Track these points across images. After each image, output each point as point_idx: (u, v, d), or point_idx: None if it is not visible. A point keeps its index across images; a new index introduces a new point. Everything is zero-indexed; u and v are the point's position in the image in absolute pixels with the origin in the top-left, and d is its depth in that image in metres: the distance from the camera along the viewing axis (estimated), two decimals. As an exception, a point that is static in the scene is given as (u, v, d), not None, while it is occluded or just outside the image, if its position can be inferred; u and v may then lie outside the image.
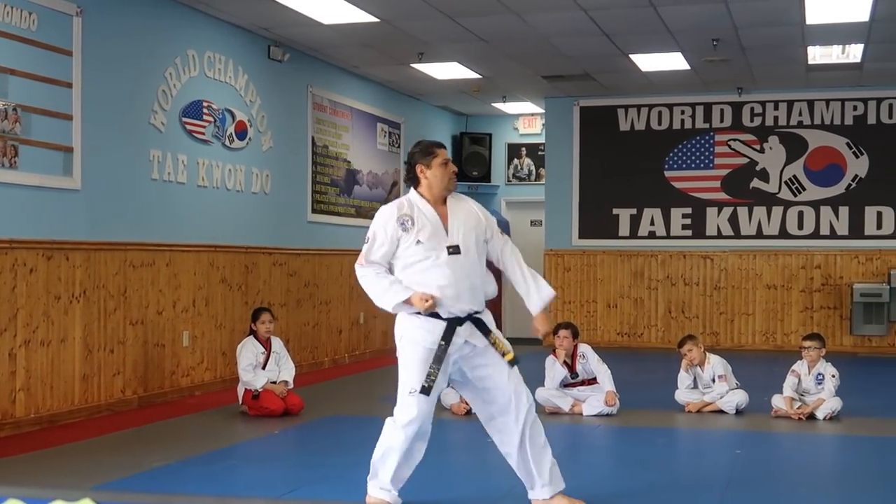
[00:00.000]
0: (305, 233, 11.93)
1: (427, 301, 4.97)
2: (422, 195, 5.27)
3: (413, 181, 5.37)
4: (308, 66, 12.00)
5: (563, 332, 8.66)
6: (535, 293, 5.36)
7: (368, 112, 13.55)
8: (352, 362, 12.78)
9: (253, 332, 8.77)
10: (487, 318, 5.34)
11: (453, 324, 5.12)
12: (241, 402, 8.63)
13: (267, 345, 8.78)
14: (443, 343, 5.09)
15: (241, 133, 10.54)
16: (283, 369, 8.78)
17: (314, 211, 12.12)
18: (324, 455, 6.98)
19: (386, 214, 5.21)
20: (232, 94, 10.44)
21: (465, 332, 5.18)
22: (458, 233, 5.19)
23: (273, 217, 11.20)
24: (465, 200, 5.36)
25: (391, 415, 5.22)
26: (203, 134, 9.90)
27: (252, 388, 8.48)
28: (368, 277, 5.21)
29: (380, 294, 5.19)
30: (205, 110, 9.94)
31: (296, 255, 11.65)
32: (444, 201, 5.28)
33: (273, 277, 11.15)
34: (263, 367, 8.67)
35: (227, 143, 10.30)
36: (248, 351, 8.65)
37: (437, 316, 5.12)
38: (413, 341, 5.20)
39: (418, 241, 5.10)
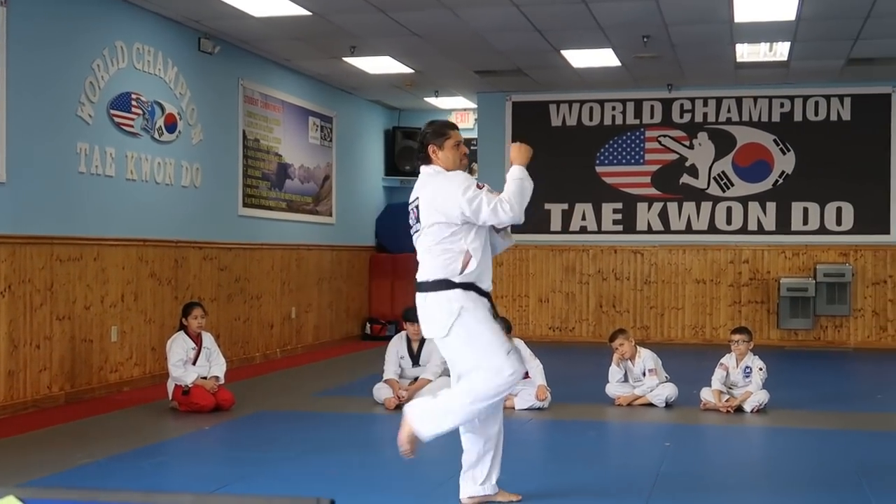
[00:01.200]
0: (236, 227, 11.83)
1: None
2: None
3: (425, 160, 5.39)
4: (239, 59, 11.90)
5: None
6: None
7: (300, 106, 13.47)
8: (283, 357, 12.70)
9: (183, 327, 8.68)
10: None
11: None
12: (170, 397, 8.53)
13: (197, 340, 8.69)
14: (493, 311, 5.20)
15: (171, 126, 10.42)
16: (214, 364, 8.70)
17: (245, 205, 12.03)
18: (255, 451, 6.93)
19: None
20: (161, 86, 10.31)
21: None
22: None
23: (203, 211, 11.09)
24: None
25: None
26: (132, 126, 9.77)
27: (182, 384, 8.39)
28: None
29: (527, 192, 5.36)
30: (133, 103, 9.81)
31: (227, 250, 11.55)
32: None
33: (203, 272, 11.04)
34: (194, 363, 8.58)
35: (156, 135, 10.17)
36: (179, 346, 8.55)
37: (478, 290, 5.21)
38: (477, 307, 5.17)
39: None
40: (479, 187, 5.11)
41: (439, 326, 5.11)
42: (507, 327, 5.26)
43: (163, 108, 10.28)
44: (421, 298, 5.23)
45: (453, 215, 5.04)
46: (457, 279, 5.07)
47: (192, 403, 8.34)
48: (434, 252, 5.16)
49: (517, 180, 5.14)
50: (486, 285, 5.20)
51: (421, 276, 5.23)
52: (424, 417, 5.05)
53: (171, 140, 10.43)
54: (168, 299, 10.33)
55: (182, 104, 10.65)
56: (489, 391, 5.00)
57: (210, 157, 11.22)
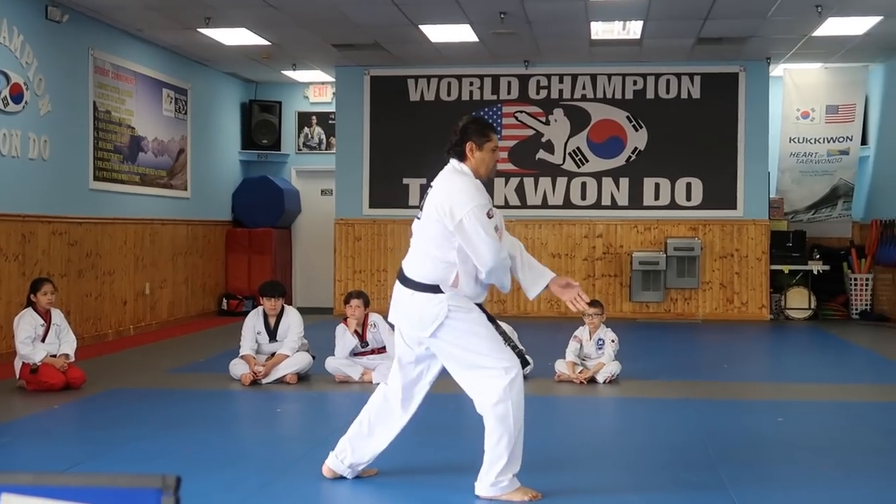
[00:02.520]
0: (87, 201, 11.53)
1: None
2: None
3: (458, 154, 5.26)
4: (89, 29, 11.55)
5: (354, 302, 8.70)
6: None
7: (154, 77, 13.17)
8: (137, 334, 12.46)
9: (31, 304, 8.43)
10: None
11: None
12: (18, 376, 8.29)
13: (47, 317, 8.45)
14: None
15: (17, 96, 10.07)
16: (64, 342, 8.48)
17: (96, 178, 11.72)
18: (106, 429, 6.79)
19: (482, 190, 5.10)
20: (6, 55, 9.95)
21: None
22: None
23: (52, 184, 10.76)
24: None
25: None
26: (-25, 96, 9.41)
27: (30, 362, 8.16)
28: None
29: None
30: (-23, 71, 9.45)
31: (77, 224, 11.24)
32: None
33: (52, 247, 10.73)
34: (43, 340, 8.35)
35: (1, 106, 9.82)
36: (26, 323, 8.31)
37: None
38: (469, 309, 5.04)
39: (496, 227, 5.01)
40: (489, 215, 4.98)
41: (423, 326, 5.04)
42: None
43: (8, 78, 9.92)
44: (407, 294, 5.12)
45: (447, 223, 4.95)
46: (446, 290, 4.99)
47: (41, 382, 8.11)
48: (429, 255, 5.07)
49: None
50: (479, 300, 5.12)
51: (410, 272, 5.13)
52: (498, 479, 4.97)
53: (17, 111, 10.08)
54: (15, 275, 10.01)
55: (28, 74, 10.30)
56: (501, 394, 4.92)
57: (59, 128, 10.89)
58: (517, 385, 4.96)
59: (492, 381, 4.93)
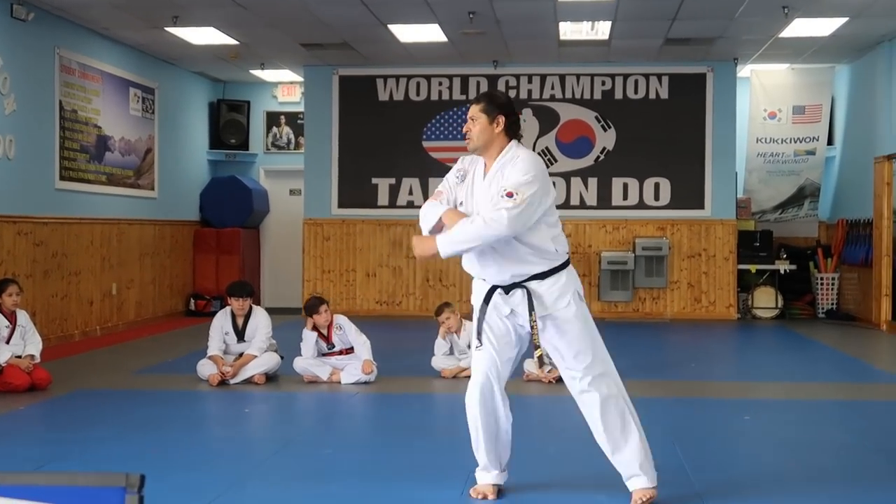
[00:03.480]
0: (53, 201, 11.44)
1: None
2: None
3: (518, 133, 5.04)
4: (55, 27, 11.47)
5: (322, 308, 8.67)
6: None
7: (120, 76, 13.08)
8: (104, 335, 12.37)
9: (-4, 305, 8.36)
10: (546, 291, 4.88)
11: (492, 290, 4.91)
12: (-18, 377, 8.21)
13: (12, 318, 8.38)
14: (484, 305, 4.91)
15: (-18, 95, 9.98)
16: (29, 343, 8.41)
17: (62, 178, 11.63)
18: (72, 430, 6.74)
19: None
20: (-29, 53, 9.87)
21: (513, 301, 4.88)
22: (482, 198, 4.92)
23: (18, 184, 10.67)
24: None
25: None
26: (-61, 95, 9.32)
27: (-5, 363, 8.09)
28: None
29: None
30: (-60, 70, 9.35)
31: (43, 224, 11.15)
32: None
33: (18, 247, 10.64)
34: (8, 342, 8.29)
35: (-35, 105, 9.73)
36: (-9, 324, 8.24)
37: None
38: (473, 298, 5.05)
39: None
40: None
41: None
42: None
43: (-28, 77, 9.84)
44: None
45: None
46: None
47: (6, 383, 8.04)
48: None
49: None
50: (482, 277, 5.00)
51: None
52: None
53: (-19, 110, 9.99)
54: (-20, 276, 9.91)
55: (-7, 72, 10.21)
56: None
57: (24, 128, 10.79)
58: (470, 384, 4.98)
59: None
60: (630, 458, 4.92)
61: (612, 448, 4.95)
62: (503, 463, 5.05)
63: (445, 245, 4.80)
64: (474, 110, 4.96)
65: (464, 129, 5.06)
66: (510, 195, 4.69)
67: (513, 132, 4.98)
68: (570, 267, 5.00)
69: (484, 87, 14.79)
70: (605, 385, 4.95)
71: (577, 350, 4.92)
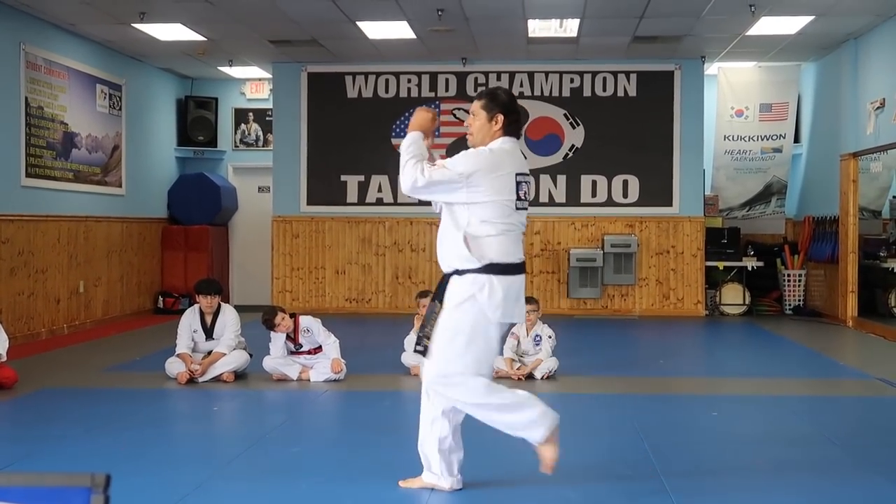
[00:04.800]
0: (19, 198, 11.34)
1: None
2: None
3: (516, 133, 5.08)
4: (20, 22, 11.37)
5: (278, 318, 8.61)
6: None
7: (87, 73, 12.99)
8: (71, 333, 12.29)
9: (-39, 303, 8.29)
10: (453, 285, 4.94)
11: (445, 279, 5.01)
12: (-53, 376, 8.14)
13: (-24, 316, 8.31)
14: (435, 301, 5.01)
15: (-54, 91, 9.88)
16: (-5, 341, 8.35)
17: (28, 175, 11.53)
18: (39, 429, 6.69)
19: None
20: (-65, 49, 9.77)
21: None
22: None
23: (-17, 181, 10.58)
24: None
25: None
26: None
27: (-40, 362, 8.02)
28: None
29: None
30: None
31: (9, 222, 11.06)
32: None
33: (-17, 245, 10.56)
34: (-27, 340, 8.22)
35: (-71, 101, 9.64)
36: (-44, 323, 8.17)
37: None
38: None
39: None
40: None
41: None
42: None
43: (-63, 73, 9.74)
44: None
45: None
46: None
47: (-28, 382, 7.98)
48: None
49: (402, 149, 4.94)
50: None
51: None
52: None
53: (-54, 106, 9.90)
54: (-56, 274, 9.83)
55: (-42, 68, 10.12)
56: None
57: (-11, 124, 10.71)
58: None
59: None
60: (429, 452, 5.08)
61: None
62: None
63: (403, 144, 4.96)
64: (476, 106, 5.10)
65: (466, 123, 5.18)
66: (442, 165, 4.88)
67: (511, 131, 5.04)
68: (492, 277, 4.85)
69: (453, 85, 14.79)
70: (434, 392, 5.03)
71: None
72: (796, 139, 15.21)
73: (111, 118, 13.69)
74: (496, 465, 5.65)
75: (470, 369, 4.88)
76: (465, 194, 4.83)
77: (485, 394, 4.90)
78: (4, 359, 8.30)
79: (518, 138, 5.11)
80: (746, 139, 15.08)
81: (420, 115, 5.07)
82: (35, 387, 8.27)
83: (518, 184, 4.93)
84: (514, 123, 5.05)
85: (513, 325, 5.05)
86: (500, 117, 5.00)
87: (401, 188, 4.91)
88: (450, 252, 4.93)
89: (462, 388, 4.91)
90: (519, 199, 4.93)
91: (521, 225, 5.00)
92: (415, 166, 4.83)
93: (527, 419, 4.93)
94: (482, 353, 4.92)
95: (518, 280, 4.94)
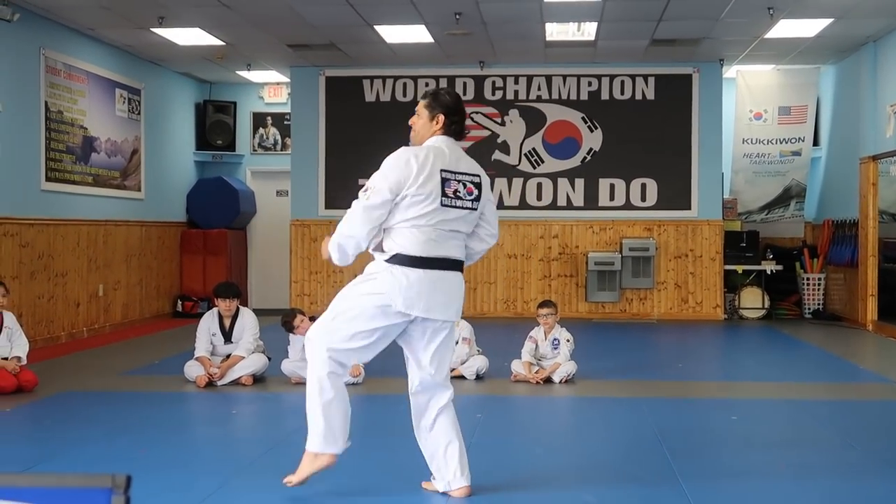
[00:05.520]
0: (39, 202, 11.40)
1: None
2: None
3: (458, 135, 5.09)
4: (40, 27, 11.43)
5: (297, 319, 8.63)
6: None
7: (106, 77, 13.05)
8: (90, 336, 12.34)
9: (-18, 307, 8.33)
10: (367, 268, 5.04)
11: None
12: (-32, 379, 8.18)
13: (-3, 319, 8.36)
14: None
15: (-33, 96, 9.94)
16: (16, 345, 8.38)
17: (48, 179, 11.59)
18: (59, 432, 6.72)
19: None
20: (-44, 54, 9.83)
21: None
22: None
23: (3, 185, 10.63)
24: None
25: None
26: (-76, 96, 9.28)
27: (-19, 365, 8.06)
28: None
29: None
30: (-75, 71, 9.31)
31: (29, 226, 11.12)
32: None
33: (4, 249, 10.60)
34: (-7, 343, 8.26)
35: (-50, 106, 9.70)
36: (-23, 326, 8.21)
37: None
38: None
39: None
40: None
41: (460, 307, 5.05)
42: None
43: (-43, 77, 9.80)
44: (458, 278, 4.99)
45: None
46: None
47: (-8, 385, 8.01)
48: (464, 237, 5.02)
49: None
50: None
51: (458, 255, 4.99)
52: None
53: (-34, 111, 9.96)
54: (-35, 277, 9.89)
55: (-21, 73, 10.18)
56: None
57: (9, 129, 10.76)
58: None
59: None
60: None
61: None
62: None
63: (331, 244, 4.99)
64: (420, 106, 5.09)
65: (410, 122, 5.15)
66: (365, 190, 4.91)
67: (451, 132, 5.04)
68: (397, 268, 4.83)
69: (471, 88, 14.79)
70: (311, 352, 5.01)
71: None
72: (815, 142, 15.15)
73: (130, 122, 13.75)
74: (512, 468, 5.65)
75: (340, 342, 4.90)
76: (387, 197, 4.81)
77: (323, 377, 4.95)
78: (25, 362, 8.34)
79: (459, 140, 5.09)
80: (765, 142, 15.03)
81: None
82: (55, 390, 8.30)
83: (445, 181, 4.87)
84: (455, 125, 5.04)
85: (425, 319, 4.95)
86: (441, 118, 5.00)
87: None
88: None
89: (316, 356, 4.95)
90: (445, 195, 4.86)
91: (451, 222, 4.91)
92: (349, 214, 4.90)
93: (320, 425, 4.96)
94: (360, 335, 4.90)
95: (434, 276, 4.85)
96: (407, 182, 4.79)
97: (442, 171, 4.87)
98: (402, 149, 4.96)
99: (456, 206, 4.90)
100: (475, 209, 4.99)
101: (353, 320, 4.88)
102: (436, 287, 4.85)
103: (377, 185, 4.83)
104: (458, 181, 4.92)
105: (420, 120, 5.07)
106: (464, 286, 5.07)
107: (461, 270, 5.05)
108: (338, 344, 4.90)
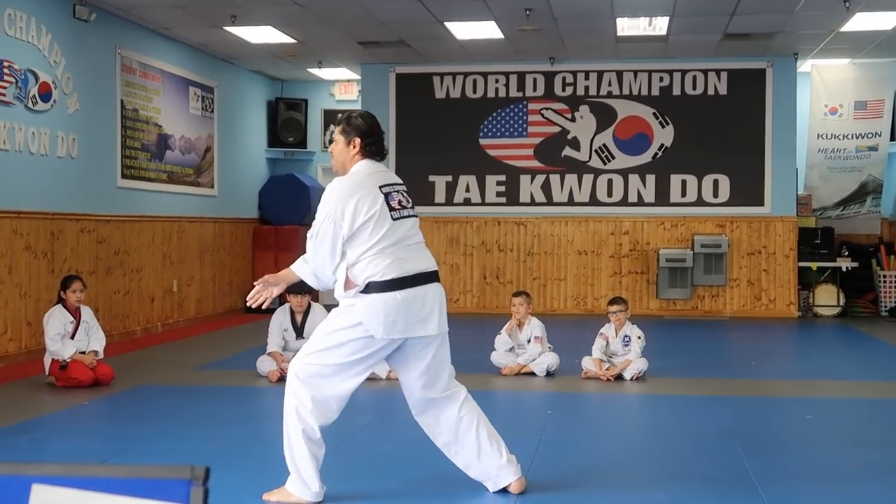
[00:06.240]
0: (115, 198, 11.59)
1: None
2: None
3: (377, 155, 5.03)
4: (116, 27, 11.62)
5: None
6: None
7: (180, 75, 13.23)
8: (165, 331, 12.52)
9: (61, 301, 8.48)
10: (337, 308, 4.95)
11: None
12: (47, 372, 8.34)
13: (76, 314, 8.51)
14: None
15: (45, 95, 10.14)
16: (93, 339, 8.53)
17: (124, 176, 11.79)
18: (134, 425, 6.83)
19: None
20: (35, 53, 10.02)
21: None
22: None
23: (80, 182, 10.83)
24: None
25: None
26: (4, 95, 9.48)
27: (60, 359, 8.21)
28: None
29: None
30: (6, 70, 9.51)
31: (105, 222, 11.31)
32: None
33: (81, 245, 10.80)
34: (72, 337, 8.40)
35: (29, 104, 9.88)
36: (56, 320, 8.36)
37: None
38: None
39: None
40: None
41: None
42: None
43: (36, 77, 9.99)
44: (435, 291, 4.94)
45: None
46: None
47: (70, 378, 8.16)
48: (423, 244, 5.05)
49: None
50: None
51: (430, 266, 4.99)
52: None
53: (45, 109, 10.15)
54: (44, 273, 10.08)
55: (57, 72, 10.37)
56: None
57: (87, 127, 10.96)
58: None
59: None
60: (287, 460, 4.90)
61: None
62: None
63: (304, 273, 4.98)
64: (335, 132, 5.04)
65: (329, 150, 5.15)
66: (310, 237, 4.86)
67: (369, 153, 4.97)
68: (371, 297, 4.74)
69: (541, 84, 14.75)
70: (290, 387, 4.87)
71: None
72: (893, 137, 14.88)
73: (204, 120, 13.92)
74: (583, 465, 5.62)
75: (323, 377, 4.81)
76: (343, 231, 4.75)
77: (307, 416, 4.82)
78: (102, 356, 8.49)
79: (381, 160, 5.04)
80: (841, 137, 14.80)
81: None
82: (131, 384, 8.44)
83: (387, 195, 4.84)
84: (372, 146, 4.97)
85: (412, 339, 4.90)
86: (357, 141, 4.93)
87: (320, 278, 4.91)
88: (337, 283, 4.86)
89: (295, 392, 4.85)
90: (392, 209, 4.84)
91: (409, 236, 4.92)
92: (302, 270, 4.94)
93: (304, 471, 4.84)
94: (343, 367, 4.81)
95: (409, 294, 4.78)
96: (341, 204, 4.74)
97: (381, 187, 4.86)
98: (336, 181, 4.91)
99: (405, 217, 4.92)
100: (416, 216, 5.02)
101: (333, 354, 4.80)
102: (410, 306, 4.77)
103: (323, 226, 4.77)
104: (396, 191, 4.94)
105: (337, 146, 5.00)
106: (444, 297, 4.98)
107: (437, 281, 5.00)
108: (320, 380, 4.82)
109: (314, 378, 4.81)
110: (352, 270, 4.78)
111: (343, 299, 4.84)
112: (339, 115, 5.12)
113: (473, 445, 4.95)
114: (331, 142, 5.10)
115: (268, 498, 4.91)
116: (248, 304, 5.09)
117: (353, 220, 4.73)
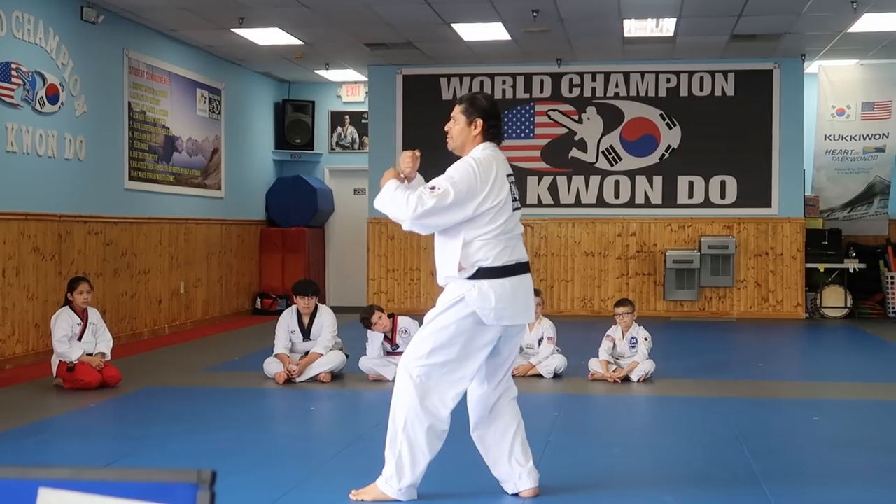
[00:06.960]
0: (122, 200, 11.61)
1: None
2: None
3: (495, 139, 5.07)
4: (123, 29, 11.64)
5: (374, 318, 8.65)
6: None
7: (188, 77, 13.25)
8: (172, 333, 12.53)
9: (69, 303, 8.49)
10: (446, 291, 4.91)
11: None
12: (55, 374, 8.35)
13: (83, 316, 8.52)
14: None
15: (53, 97, 10.15)
16: (100, 341, 8.54)
17: (132, 178, 11.80)
18: (142, 427, 6.84)
19: None
20: (42, 56, 10.03)
21: None
22: None
23: (88, 184, 10.85)
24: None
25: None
26: (11, 97, 9.49)
27: (67, 360, 8.22)
28: None
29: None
30: (13, 73, 9.53)
31: (112, 224, 11.32)
32: None
33: (88, 246, 10.82)
34: (79, 339, 8.41)
35: (37, 107, 9.90)
36: (63, 322, 8.37)
37: None
38: None
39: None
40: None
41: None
42: None
43: (44, 79, 10.01)
44: (531, 280, 4.99)
45: None
46: None
47: (77, 380, 8.17)
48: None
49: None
50: None
51: (526, 256, 5.01)
52: None
53: (53, 111, 10.17)
54: (51, 274, 10.10)
55: (64, 75, 10.38)
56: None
57: (94, 129, 10.97)
58: None
59: None
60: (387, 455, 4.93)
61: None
62: None
63: (378, 197, 5.02)
64: (456, 111, 5.04)
65: (445, 128, 5.12)
66: (432, 188, 4.79)
67: (490, 136, 5.00)
68: (483, 282, 4.77)
69: (548, 86, 14.75)
70: (401, 380, 4.94)
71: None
72: (900, 138, 14.85)
73: (211, 122, 13.94)
74: (590, 467, 5.62)
75: (435, 371, 4.83)
76: (469, 211, 4.76)
77: (415, 415, 4.85)
78: (109, 358, 8.49)
79: (498, 144, 5.06)
80: (848, 139, 14.77)
81: (387, 172, 5.10)
82: (138, 385, 8.45)
83: (511, 185, 4.94)
84: (493, 129, 5.00)
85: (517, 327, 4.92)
86: (480, 122, 4.95)
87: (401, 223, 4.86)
88: (445, 263, 4.87)
89: (404, 391, 4.89)
90: (513, 199, 4.92)
91: (517, 226, 4.95)
92: (408, 197, 4.79)
93: (402, 467, 4.89)
94: (458, 360, 4.82)
95: (515, 282, 4.83)
96: (476, 184, 4.77)
97: (507, 175, 4.92)
98: (478, 159, 4.89)
99: (517, 209, 4.98)
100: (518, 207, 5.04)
101: (447, 350, 4.82)
102: (517, 293, 4.84)
103: (457, 191, 4.74)
104: (512, 181, 5.00)
105: (457, 125, 5.02)
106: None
107: (530, 271, 5.05)
108: (436, 378, 4.85)
109: (428, 378, 4.84)
110: (466, 250, 4.78)
111: (451, 283, 4.84)
112: (461, 95, 5.15)
113: (508, 445, 4.98)
114: (448, 120, 5.06)
115: (357, 497, 4.92)
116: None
117: (482, 203, 4.76)
